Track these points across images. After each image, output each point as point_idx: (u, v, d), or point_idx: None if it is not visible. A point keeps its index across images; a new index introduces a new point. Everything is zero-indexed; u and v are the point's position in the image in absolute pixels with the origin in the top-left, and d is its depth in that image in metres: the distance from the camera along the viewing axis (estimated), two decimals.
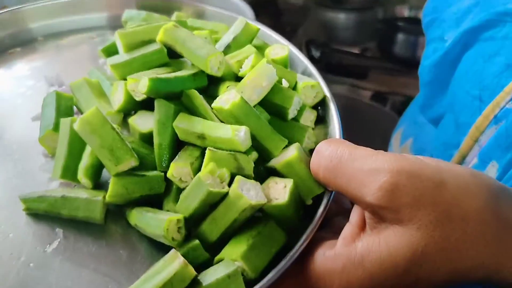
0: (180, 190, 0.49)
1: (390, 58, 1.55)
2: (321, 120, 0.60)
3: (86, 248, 0.48)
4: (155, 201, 0.50)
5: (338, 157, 0.45)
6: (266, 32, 0.70)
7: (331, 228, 0.51)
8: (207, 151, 0.47)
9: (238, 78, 0.59)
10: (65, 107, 0.57)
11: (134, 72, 0.55)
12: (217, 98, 0.51)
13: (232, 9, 0.82)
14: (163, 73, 0.53)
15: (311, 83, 0.59)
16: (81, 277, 0.45)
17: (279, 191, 0.47)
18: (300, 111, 0.57)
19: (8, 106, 0.62)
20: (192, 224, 0.46)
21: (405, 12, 1.80)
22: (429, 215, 0.40)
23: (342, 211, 0.55)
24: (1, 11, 0.71)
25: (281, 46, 0.63)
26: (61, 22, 0.76)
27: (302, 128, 0.55)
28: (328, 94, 0.60)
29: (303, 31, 1.65)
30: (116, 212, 0.50)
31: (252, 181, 0.46)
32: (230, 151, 0.48)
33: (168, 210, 0.48)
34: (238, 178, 0.45)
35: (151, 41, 0.58)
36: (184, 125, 0.49)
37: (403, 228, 0.41)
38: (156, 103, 0.51)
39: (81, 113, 0.58)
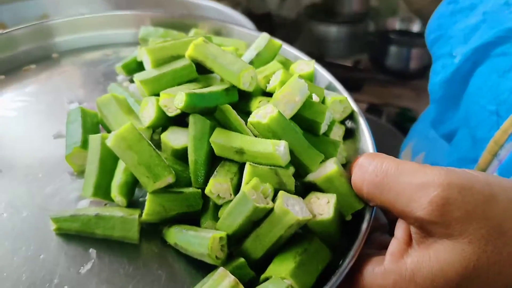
0: (217, 207, 0.48)
1: (383, 70, 1.56)
2: (349, 135, 0.60)
3: (123, 269, 0.46)
4: (190, 219, 0.48)
5: (384, 171, 0.44)
6: (284, 47, 0.70)
7: (372, 244, 0.50)
8: (248, 166, 0.46)
9: (264, 94, 0.58)
10: (91, 123, 0.56)
11: (164, 87, 0.54)
12: (253, 113, 0.50)
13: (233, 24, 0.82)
14: (194, 89, 0.52)
15: (339, 98, 0.59)
16: None
17: (322, 207, 0.46)
18: (330, 126, 0.56)
19: (27, 124, 0.60)
20: (233, 242, 0.45)
21: (396, 24, 1.82)
22: (480, 229, 0.40)
23: (378, 226, 0.54)
24: (15, 28, 0.69)
25: (306, 62, 0.63)
26: (75, 39, 0.74)
27: (334, 143, 0.55)
28: (356, 108, 0.60)
29: (297, 45, 1.67)
30: (150, 231, 0.49)
31: (295, 196, 0.45)
32: (270, 166, 0.47)
33: (206, 228, 0.47)
34: (282, 193, 0.44)
35: (179, 57, 0.57)
36: (222, 140, 0.48)
37: (454, 242, 0.40)
38: (191, 118, 0.50)
39: (106, 130, 0.57)
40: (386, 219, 0.54)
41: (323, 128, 0.55)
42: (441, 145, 0.89)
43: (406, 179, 0.43)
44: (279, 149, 0.47)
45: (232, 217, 0.44)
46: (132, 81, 0.66)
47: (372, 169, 0.45)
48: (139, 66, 0.66)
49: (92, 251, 0.47)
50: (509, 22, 0.71)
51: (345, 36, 1.69)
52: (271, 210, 0.44)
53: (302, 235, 0.45)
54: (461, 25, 0.82)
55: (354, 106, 0.60)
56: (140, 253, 0.47)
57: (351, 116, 0.60)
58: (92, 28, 0.75)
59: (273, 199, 0.45)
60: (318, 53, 1.60)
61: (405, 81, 1.56)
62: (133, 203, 0.50)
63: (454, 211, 0.40)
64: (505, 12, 0.70)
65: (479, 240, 0.40)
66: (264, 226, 0.44)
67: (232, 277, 0.40)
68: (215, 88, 0.52)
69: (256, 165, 0.46)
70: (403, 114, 1.42)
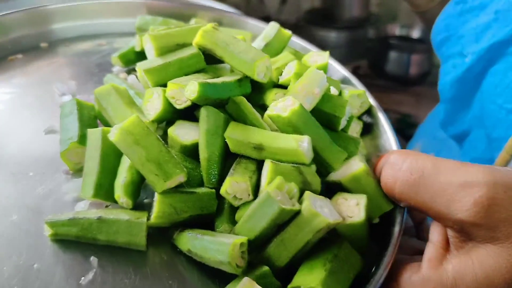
0: (233, 209, 0.43)
1: (383, 76, 1.54)
2: (366, 131, 0.56)
3: (128, 280, 0.41)
4: (203, 222, 0.43)
5: (420, 169, 0.40)
6: (292, 38, 0.65)
7: (401, 249, 0.46)
8: (269, 164, 0.42)
9: (275, 87, 0.54)
10: (88, 117, 0.50)
11: (170, 78, 0.49)
12: (271, 106, 0.46)
13: None
14: (205, 79, 0.47)
15: (357, 92, 0.55)
16: None
17: (352, 209, 0.42)
18: (348, 121, 0.52)
19: (15, 119, 0.54)
20: (253, 248, 0.40)
21: (396, 30, 1.81)
22: None
23: (404, 229, 0.50)
24: (2, 14, 0.63)
25: (319, 53, 0.59)
26: (67, 28, 0.69)
27: (354, 140, 0.51)
28: (374, 103, 0.56)
29: None
30: (157, 236, 0.44)
31: (322, 197, 0.41)
32: (292, 163, 0.43)
33: (221, 232, 0.42)
34: (308, 193, 0.40)
35: (185, 45, 0.52)
36: (238, 135, 0.44)
37: (499, 247, 0.37)
38: (203, 111, 0.45)
39: (104, 124, 0.51)
40: (412, 222, 0.51)
41: (342, 124, 0.51)
42: (450, 146, 0.87)
43: (446, 178, 0.39)
44: (302, 145, 0.42)
45: (254, 220, 0.39)
46: (129, 72, 0.61)
47: (406, 167, 0.41)
48: (137, 56, 0.61)
49: (94, 260, 0.41)
50: None
51: (344, 41, 1.67)
52: (297, 213, 0.39)
53: (329, 239, 0.41)
54: (472, 25, 0.80)
55: (372, 100, 0.56)
56: (147, 261, 0.42)
57: (368, 112, 0.56)
58: (85, 16, 0.69)
59: (298, 200, 0.40)
60: None
61: (405, 87, 1.55)
62: (137, 205, 0.45)
63: (500, 212, 0.37)
64: None
65: None
66: (289, 230, 0.39)
67: (259, 287, 0.35)
68: (228, 78, 0.48)
69: (278, 162, 0.42)
70: (403, 120, 1.40)
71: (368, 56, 1.63)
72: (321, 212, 0.38)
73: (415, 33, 1.81)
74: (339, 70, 0.61)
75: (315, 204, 0.39)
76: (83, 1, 0.70)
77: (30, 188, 0.47)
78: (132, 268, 0.41)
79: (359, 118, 0.56)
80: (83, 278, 0.40)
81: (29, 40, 0.66)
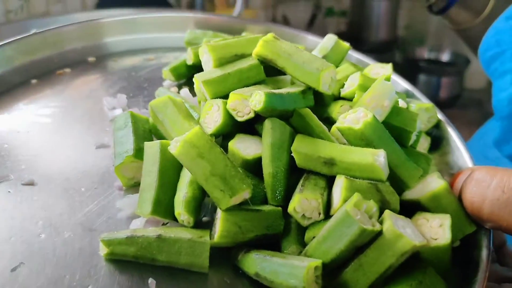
0: (301, 229, 0.40)
1: None
2: (434, 147, 0.52)
3: None
4: (267, 243, 0.40)
5: None
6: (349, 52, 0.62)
7: None
8: (343, 180, 0.38)
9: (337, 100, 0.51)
10: (142, 130, 0.48)
11: (229, 90, 0.46)
12: (340, 118, 0.42)
13: None
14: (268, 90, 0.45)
15: (425, 106, 0.51)
16: None
17: (435, 230, 0.38)
18: (417, 137, 0.49)
19: (64, 132, 0.52)
20: (328, 273, 0.37)
21: (425, 53, 1.78)
22: None
23: None
24: (48, 29, 0.62)
25: (381, 65, 0.56)
26: (115, 42, 0.67)
27: (425, 157, 0.47)
28: (442, 117, 0.52)
29: None
30: (217, 257, 0.40)
31: (403, 217, 0.37)
32: (367, 180, 0.39)
33: (289, 254, 0.39)
34: (389, 213, 0.36)
35: (244, 56, 0.50)
36: (306, 149, 0.41)
37: None
38: (267, 123, 0.42)
39: (158, 138, 0.49)
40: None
41: (412, 139, 0.47)
42: (504, 166, 0.82)
43: None
44: (379, 159, 0.39)
45: (330, 242, 0.36)
46: (180, 87, 0.59)
47: (496, 184, 0.37)
48: (189, 70, 0.59)
49: (152, 282, 0.38)
50: None
51: None
52: (378, 234, 0.35)
53: (411, 264, 0.37)
54: None
55: (440, 115, 0.52)
56: (208, 284, 0.39)
57: (436, 127, 0.53)
58: (133, 30, 0.68)
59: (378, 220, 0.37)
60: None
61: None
62: (194, 224, 0.42)
63: None
64: None
65: None
66: (369, 253, 0.35)
67: None
68: (292, 89, 0.45)
69: (353, 179, 0.39)
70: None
71: None
72: (404, 233, 0.35)
73: (445, 57, 1.78)
74: (400, 83, 0.58)
75: (397, 224, 0.35)
76: (129, 16, 0.69)
77: (82, 204, 0.44)
78: None
79: (427, 133, 0.52)
80: None
81: (77, 54, 0.64)
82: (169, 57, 0.67)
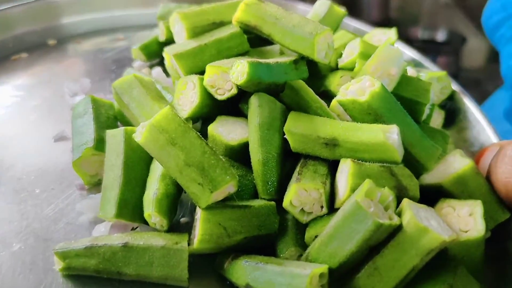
0: (300, 227, 0.33)
1: None
2: (449, 122, 0.45)
3: None
4: (260, 246, 0.33)
5: None
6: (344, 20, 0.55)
7: None
8: (349, 164, 0.31)
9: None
10: (106, 117, 0.41)
11: (206, 63, 0.38)
12: (341, 89, 0.35)
13: None
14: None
15: (438, 74, 0.44)
16: None
17: (464, 220, 0.31)
18: (430, 110, 0.42)
19: (19, 126, 0.45)
20: (335, 278, 0.29)
21: (419, 33, 1.74)
22: None
23: None
24: (2, 7, 0.54)
25: (383, 31, 0.48)
26: (77, 22, 0.60)
27: (442, 133, 0.40)
28: (457, 88, 0.45)
29: None
30: (198, 267, 0.33)
31: (424, 206, 0.30)
32: (379, 162, 0.32)
33: (287, 259, 0.32)
34: (408, 202, 0.29)
35: (223, 24, 0.42)
36: (302, 129, 0.33)
37: None
38: (254, 99, 0.35)
39: (126, 125, 0.41)
40: None
41: (425, 112, 0.40)
42: None
43: None
44: (391, 136, 0.32)
45: (337, 242, 0.29)
46: (152, 66, 0.51)
47: None
48: (162, 48, 0.51)
49: None
50: None
51: None
52: (397, 229, 0.28)
53: (437, 263, 0.30)
54: None
55: (454, 85, 0.45)
56: None
57: (450, 98, 0.46)
58: (98, 8, 0.60)
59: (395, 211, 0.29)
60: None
61: None
62: (172, 226, 0.35)
63: None
64: None
65: None
66: (387, 253, 0.28)
67: None
68: (282, 59, 0.38)
69: (360, 162, 0.31)
70: None
71: None
72: (429, 226, 0.27)
73: (440, 36, 1.74)
74: (405, 52, 0.51)
75: (419, 215, 0.28)
76: None
77: (37, 209, 0.37)
78: None
79: (440, 106, 0.45)
80: None
81: (34, 37, 0.57)
82: (141, 36, 0.59)
